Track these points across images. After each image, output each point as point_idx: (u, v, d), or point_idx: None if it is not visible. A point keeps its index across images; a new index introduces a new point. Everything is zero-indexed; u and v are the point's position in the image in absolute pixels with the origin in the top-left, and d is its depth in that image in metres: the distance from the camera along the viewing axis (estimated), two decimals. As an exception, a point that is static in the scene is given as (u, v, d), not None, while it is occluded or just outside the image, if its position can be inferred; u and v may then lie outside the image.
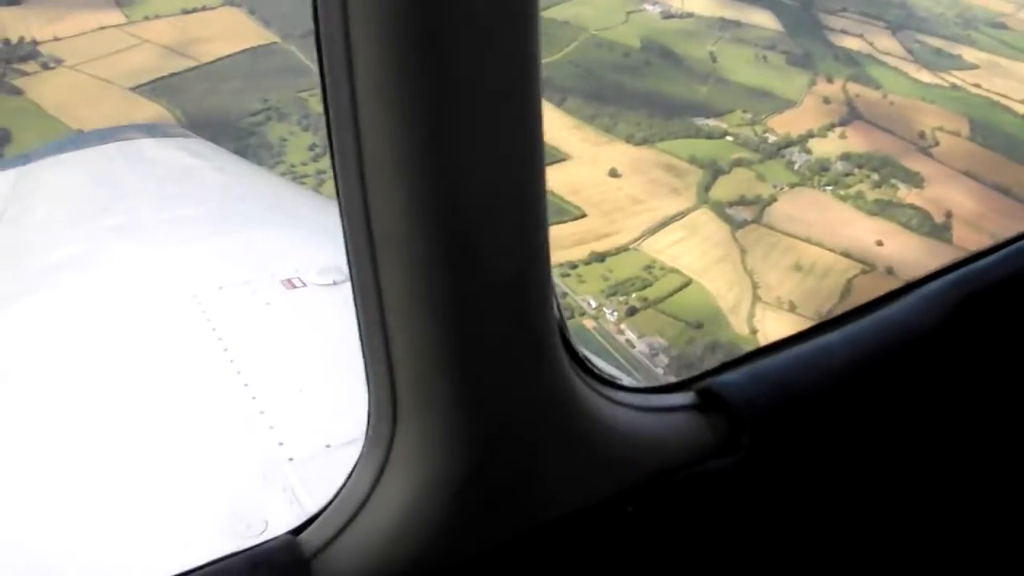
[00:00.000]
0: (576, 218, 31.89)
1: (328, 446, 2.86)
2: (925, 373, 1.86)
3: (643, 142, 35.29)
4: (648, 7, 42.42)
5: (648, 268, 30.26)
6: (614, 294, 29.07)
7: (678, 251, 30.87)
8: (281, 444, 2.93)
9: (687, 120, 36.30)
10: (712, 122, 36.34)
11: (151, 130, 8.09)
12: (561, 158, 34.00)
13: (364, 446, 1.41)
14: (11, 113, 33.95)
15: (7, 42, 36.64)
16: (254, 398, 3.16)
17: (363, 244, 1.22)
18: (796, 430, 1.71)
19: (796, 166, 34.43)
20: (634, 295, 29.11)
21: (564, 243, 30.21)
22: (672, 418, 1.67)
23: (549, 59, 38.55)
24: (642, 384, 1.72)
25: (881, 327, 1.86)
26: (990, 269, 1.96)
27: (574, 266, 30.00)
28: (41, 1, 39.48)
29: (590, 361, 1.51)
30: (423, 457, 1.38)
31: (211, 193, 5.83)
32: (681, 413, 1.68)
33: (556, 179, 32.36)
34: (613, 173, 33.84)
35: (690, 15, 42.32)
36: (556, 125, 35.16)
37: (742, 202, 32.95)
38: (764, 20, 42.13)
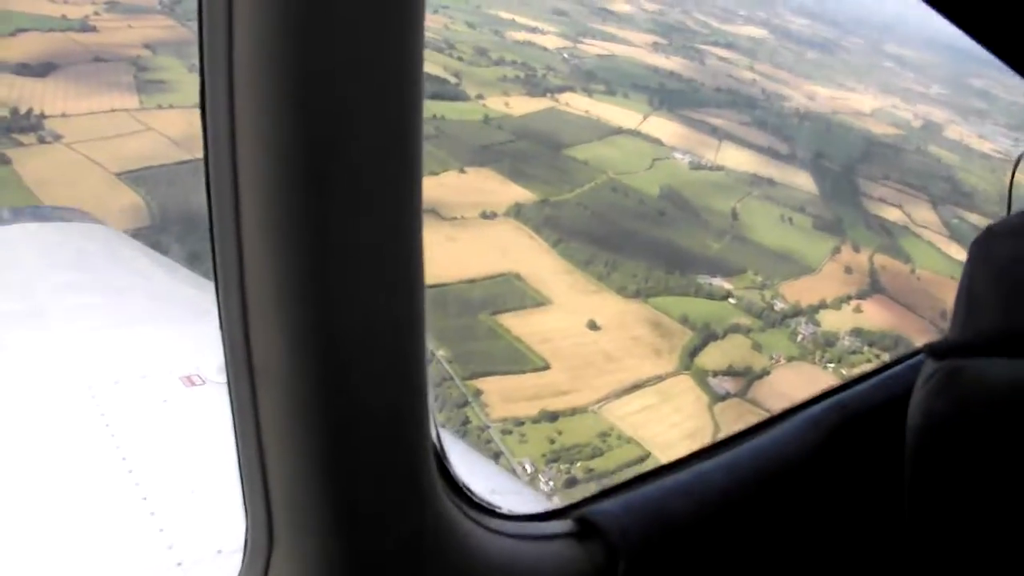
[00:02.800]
0: (537, 369, 28.39)
1: (219, 551, 2.87)
2: (801, 498, 1.91)
3: (635, 295, 31.84)
4: (678, 156, 39.77)
5: (603, 435, 26.39)
6: (556, 460, 25.26)
7: (642, 420, 26.97)
8: (170, 547, 2.93)
9: (690, 277, 32.85)
10: (717, 281, 32.78)
11: (60, 214, 8.00)
12: (540, 302, 30.88)
13: (240, 570, 1.42)
14: (-10, 181, 32.85)
15: (15, 112, 36.02)
16: (145, 498, 3.16)
17: (242, 368, 1.26)
18: (671, 559, 1.74)
19: (799, 338, 30.54)
20: (579, 464, 25.24)
21: (515, 396, 26.91)
22: (550, 546, 1.69)
23: (558, 198, 36.18)
24: (519, 512, 1.72)
25: (758, 454, 1.91)
26: (866, 394, 2.06)
27: (520, 423, 26.35)
28: (72, 77, 38.87)
29: (468, 488, 1.55)
30: None
31: (115, 283, 5.74)
32: (559, 541, 1.71)
33: (528, 325, 29.50)
34: (592, 325, 30.34)
35: (720, 168, 39.51)
36: (546, 268, 32.31)
37: (728, 372, 29.04)
38: (800, 181, 39.11)
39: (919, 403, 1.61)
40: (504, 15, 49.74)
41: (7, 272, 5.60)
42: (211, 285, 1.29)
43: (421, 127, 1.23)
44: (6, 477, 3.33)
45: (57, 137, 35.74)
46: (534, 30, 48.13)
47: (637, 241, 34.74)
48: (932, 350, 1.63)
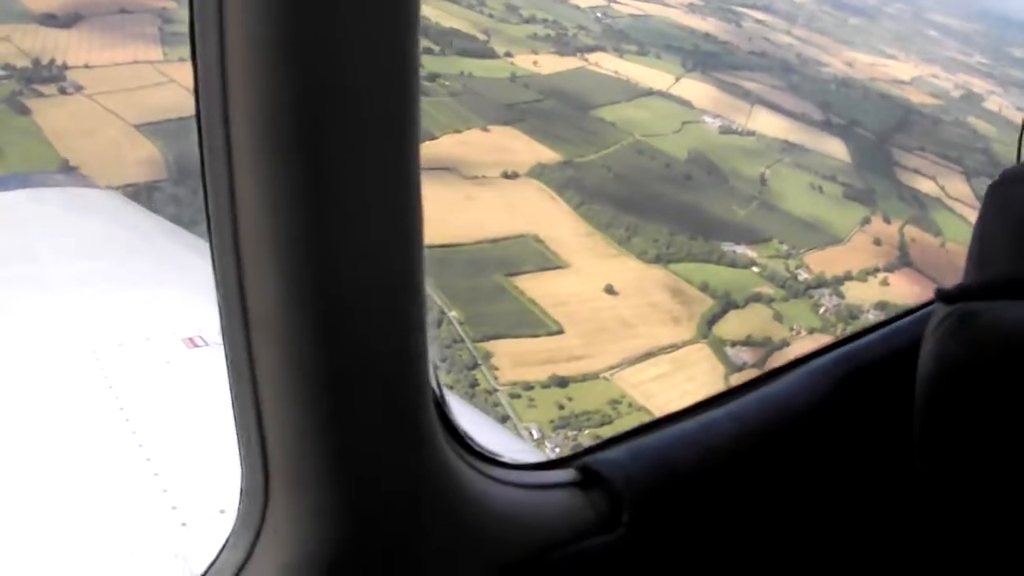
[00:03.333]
0: (551, 333, 27.85)
1: (223, 511, 2.84)
2: (809, 450, 1.90)
3: (655, 260, 31.14)
4: (708, 120, 38.80)
5: (614, 403, 25.87)
6: (564, 427, 24.80)
7: (655, 388, 26.36)
8: (174, 508, 2.97)
9: (713, 243, 32.05)
10: (741, 249, 31.98)
11: (64, 180, 8.40)
12: (557, 266, 30.29)
13: (234, 524, 1.42)
14: (8, 131, 32.62)
15: (36, 62, 35.64)
16: (148, 459, 3.18)
17: (237, 321, 1.25)
18: (676, 508, 1.74)
19: (822, 310, 29.72)
20: (587, 431, 24.71)
21: (527, 360, 26.44)
22: (552, 495, 1.69)
23: (582, 159, 35.47)
24: (522, 462, 1.72)
25: (765, 404, 1.91)
26: (873, 346, 2.03)
27: (529, 387, 25.86)
28: (97, 28, 38.62)
29: (470, 437, 1.55)
30: (294, 536, 1.39)
31: (117, 247, 5.80)
32: (561, 490, 1.70)
33: (543, 288, 28.94)
34: (609, 290, 29.69)
35: (751, 133, 38.50)
36: (565, 230, 31.71)
37: (747, 342, 28.34)
38: (833, 148, 38.15)
39: (931, 349, 1.57)
40: (538, -30, 48.67)
41: (10, 237, 5.62)
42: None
43: (418, 72, 1.18)
44: (10, 440, 3.37)
45: (78, 88, 35.39)
46: (567, -13, 47.06)
47: (661, 205, 34.00)
48: (944, 295, 1.57)
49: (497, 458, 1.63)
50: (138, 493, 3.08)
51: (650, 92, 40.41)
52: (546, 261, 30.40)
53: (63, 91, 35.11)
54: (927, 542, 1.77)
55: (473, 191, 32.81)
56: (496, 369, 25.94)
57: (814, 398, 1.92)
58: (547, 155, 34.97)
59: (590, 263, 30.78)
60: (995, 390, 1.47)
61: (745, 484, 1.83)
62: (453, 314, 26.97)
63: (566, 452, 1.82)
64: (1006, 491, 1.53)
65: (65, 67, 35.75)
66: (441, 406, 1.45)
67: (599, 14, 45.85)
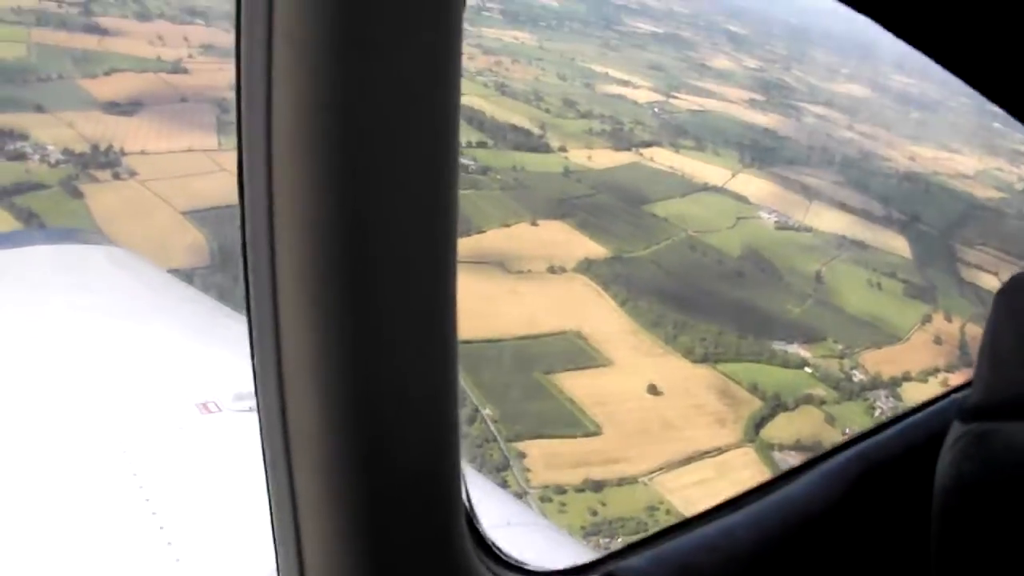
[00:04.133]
0: (588, 435, 26.74)
1: None
2: (828, 553, 1.92)
3: (703, 360, 29.93)
4: (763, 215, 37.85)
5: (651, 509, 24.61)
6: (595, 534, 23.57)
7: (696, 494, 24.96)
8: None
9: (764, 342, 30.80)
10: (793, 348, 30.66)
11: (83, 237, 8.11)
12: (599, 364, 29.28)
13: None
14: (60, 214, 33.23)
15: (95, 148, 36.56)
16: (161, 528, 3.14)
17: (277, 435, 1.28)
18: None
19: (877, 413, 28.15)
20: (619, 540, 23.43)
21: (561, 461, 25.39)
22: None
23: (631, 254, 34.74)
24: (549, 569, 1.73)
25: (784, 506, 1.93)
26: (887, 443, 2.08)
27: (561, 491, 24.73)
28: (157, 116, 39.55)
29: (498, 547, 1.58)
30: None
31: (129, 305, 5.74)
32: None
33: (583, 386, 27.94)
34: (653, 390, 28.55)
35: (809, 229, 37.41)
36: (610, 327, 30.81)
37: (796, 446, 26.85)
38: (894, 244, 36.78)
39: (948, 465, 1.60)
40: (597, 68, 48.91)
41: (26, 292, 5.58)
42: (228, 310, 1.31)
43: (457, 195, 1.21)
44: (22, 506, 3.30)
45: (132, 174, 36.15)
46: (626, 83, 47.02)
47: (711, 302, 32.96)
48: (960, 413, 1.60)
49: (524, 567, 1.63)
50: (151, 564, 3.03)
51: (705, 187, 39.70)
52: (588, 359, 29.44)
53: (117, 176, 35.91)
54: None
55: (518, 285, 32.23)
56: (528, 471, 24.92)
57: (832, 499, 1.91)
58: (595, 250, 34.31)
59: (634, 361, 29.74)
60: (1011, 510, 1.46)
61: None
62: (487, 412, 26.10)
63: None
64: None
65: (122, 153, 36.58)
66: (471, 518, 1.46)
67: (656, 109, 45.59)
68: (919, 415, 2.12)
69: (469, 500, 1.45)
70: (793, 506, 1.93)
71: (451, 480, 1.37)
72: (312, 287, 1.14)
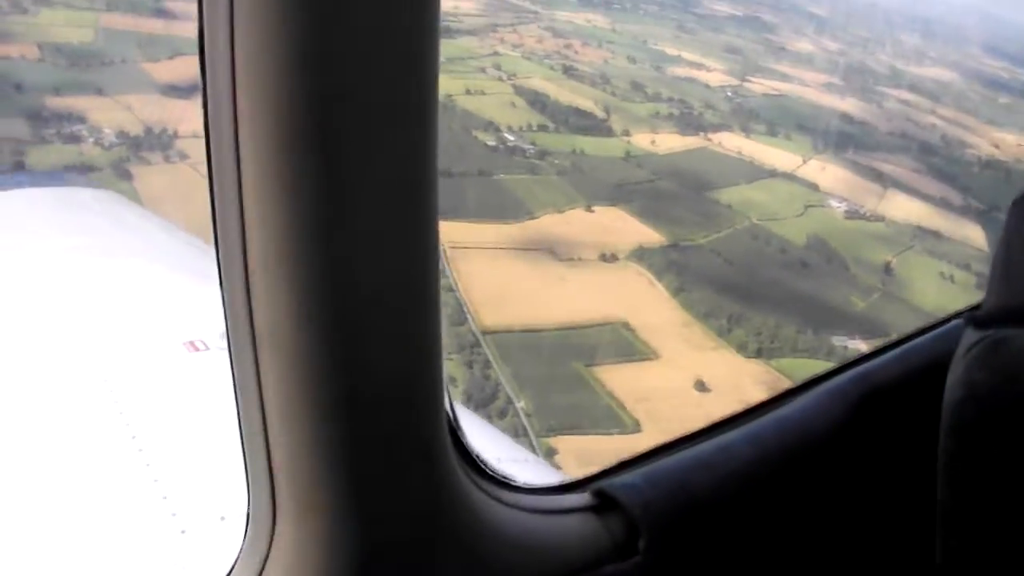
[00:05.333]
0: (626, 432, 25.41)
1: (223, 518, 2.81)
2: (828, 473, 1.90)
3: (756, 354, 28.29)
4: (834, 203, 35.94)
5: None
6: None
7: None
8: (174, 515, 2.92)
9: (823, 336, 29.03)
10: (854, 343, 28.75)
11: (70, 180, 8.13)
12: (645, 356, 27.92)
13: (240, 550, 1.38)
14: (108, 194, 33.23)
15: (148, 130, 36.54)
16: (148, 464, 3.15)
17: (245, 342, 1.22)
18: (695, 534, 1.73)
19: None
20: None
21: (592, 459, 24.04)
22: (567, 520, 1.67)
23: (689, 243, 33.33)
24: (537, 484, 1.72)
25: (782, 425, 1.91)
26: (889, 365, 2.03)
27: (591, 491, 23.46)
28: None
29: (483, 461, 1.54)
30: (302, 565, 1.35)
31: (120, 246, 5.79)
32: (576, 515, 1.68)
33: (626, 380, 26.64)
34: (700, 386, 27.03)
35: (881, 218, 35.35)
36: (660, 318, 29.43)
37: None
38: (971, 234, 34.47)
39: (960, 375, 1.56)
40: (670, 51, 47.25)
41: (12, 235, 5.60)
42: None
43: (436, 97, 1.16)
44: (10, 447, 3.28)
45: (184, 157, 35.86)
46: (699, 66, 45.35)
47: (770, 294, 31.35)
48: (974, 319, 1.56)
49: (511, 482, 1.59)
50: (137, 499, 2.99)
51: (773, 173, 37.97)
52: (633, 351, 28.06)
53: (168, 159, 35.71)
54: (951, 570, 1.68)
55: (567, 273, 31.10)
56: (558, 468, 23.70)
57: (831, 419, 1.89)
58: (652, 237, 32.95)
59: (682, 355, 28.28)
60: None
61: (764, 509, 1.80)
62: (520, 404, 25.00)
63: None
64: None
65: (175, 136, 36.35)
66: (455, 430, 1.41)
67: (730, 92, 43.89)
68: (922, 338, 2.06)
69: (453, 410, 1.39)
70: (792, 425, 1.88)
71: (432, 390, 1.30)
72: (278, 178, 1.08)
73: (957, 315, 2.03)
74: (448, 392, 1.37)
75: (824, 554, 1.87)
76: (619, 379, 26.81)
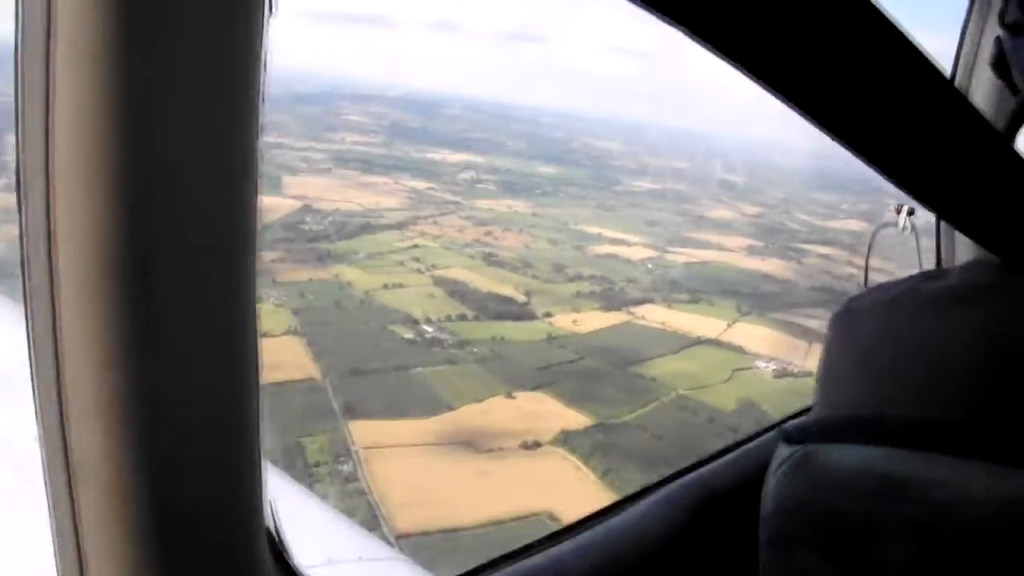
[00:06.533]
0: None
1: None
2: None
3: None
4: (761, 364, 35.17)
5: None
6: None
7: None
8: None
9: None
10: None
11: None
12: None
13: None
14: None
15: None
16: None
17: (59, 465, 1.19)
18: None
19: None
20: None
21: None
22: None
23: (615, 421, 32.16)
24: None
25: (616, 535, 1.91)
26: (724, 469, 2.09)
27: None
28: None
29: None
30: None
31: None
32: None
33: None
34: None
35: (809, 373, 34.33)
36: (587, 504, 27.60)
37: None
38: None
39: (771, 489, 1.59)
40: (591, 230, 47.41)
41: None
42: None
43: (256, 203, 1.16)
44: None
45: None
46: (620, 242, 45.39)
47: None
48: (784, 435, 1.61)
49: None
50: None
51: (699, 341, 37.25)
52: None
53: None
54: None
55: (488, 466, 29.67)
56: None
57: (668, 527, 1.91)
58: (576, 420, 31.74)
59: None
60: (830, 533, 1.48)
61: None
62: (436, 616, 22.95)
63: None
64: None
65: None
66: (278, 545, 1.40)
67: (650, 265, 43.72)
68: (756, 441, 2.00)
69: (276, 525, 1.36)
70: (626, 534, 1.82)
71: (250, 505, 1.27)
72: (95, 292, 1.06)
73: (791, 417, 1.97)
74: (273, 509, 1.32)
75: None
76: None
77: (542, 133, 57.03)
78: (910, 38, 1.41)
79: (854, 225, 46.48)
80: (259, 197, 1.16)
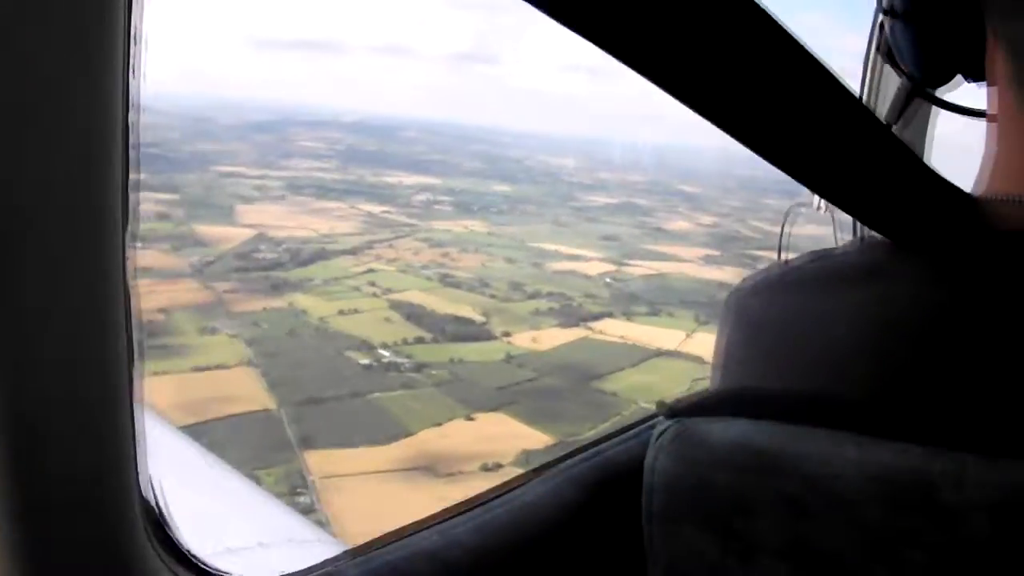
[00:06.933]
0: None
1: None
2: (560, 561, 1.87)
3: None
4: (720, 374, 34.91)
5: None
6: None
7: None
8: None
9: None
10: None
11: None
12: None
13: None
14: None
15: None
16: None
17: None
18: None
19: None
20: None
21: None
22: None
23: (575, 438, 31.59)
24: None
25: (513, 511, 1.86)
26: (619, 447, 2.01)
27: None
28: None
29: (195, 556, 1.43)
30: None
31: None
32: None
33: None
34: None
35: (768, 382, 34.40)
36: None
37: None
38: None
39: (650, 463, 1.61)
40: (548, 246, 47.31)
41: None
42: None
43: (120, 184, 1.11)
44: None
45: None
46: (577, 258, 45.33)
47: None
48: (665, 410, 1.63)
49: (220, 573, 1.51)
50: None
51: (659, 352, 37.14)
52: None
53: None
54: None
55: (447, 491, 29.11)
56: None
57: (565, 504, 1.87)
58: (537, 439, 31.42)
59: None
60: (705, 509, 1.49)
61: None
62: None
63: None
64: None
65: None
66: (160, 523, 1.33)
67: (608, 279, 43.62)
68: (646, 425, 2.01)
69: (158, 501, 1.30)
70: (524, 510, 1.79)
71: (124, 483, 1.21)
72: None
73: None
74: (153, 484, 1.27)
75: None
76: None
77: (498, 152, 56.89)
78: (798, 39, 1.34)
79: (813, 230, 46.72)
80: (133, 194, 1.11)
